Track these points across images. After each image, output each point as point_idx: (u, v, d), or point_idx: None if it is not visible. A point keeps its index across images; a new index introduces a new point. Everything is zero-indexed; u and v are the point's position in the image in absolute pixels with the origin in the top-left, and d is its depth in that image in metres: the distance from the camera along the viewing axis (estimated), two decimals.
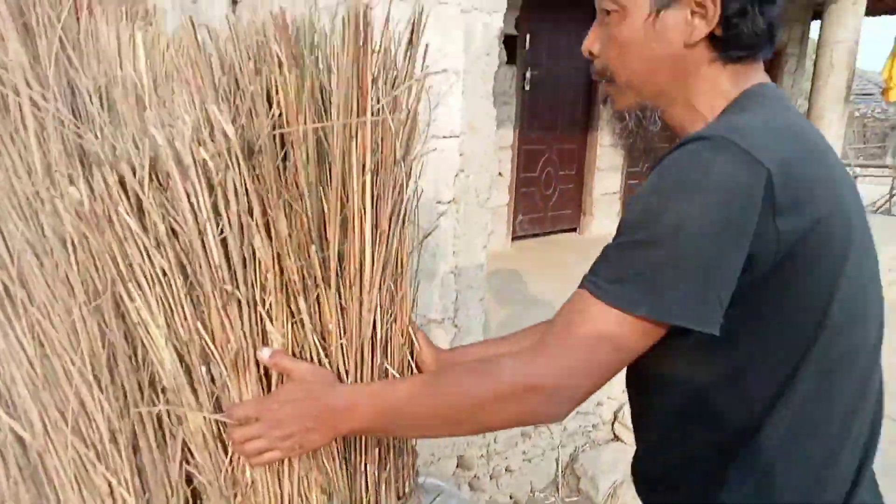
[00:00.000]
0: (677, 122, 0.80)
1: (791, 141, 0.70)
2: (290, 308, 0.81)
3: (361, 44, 0.75)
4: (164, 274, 0.78)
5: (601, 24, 0.80)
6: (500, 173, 4.84)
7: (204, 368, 0.81)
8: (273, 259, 0.78)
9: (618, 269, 0.69)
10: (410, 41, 0.81)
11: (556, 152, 5.31)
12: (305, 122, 0.74)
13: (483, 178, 2.21)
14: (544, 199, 5.35)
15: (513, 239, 5.05)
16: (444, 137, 2.09)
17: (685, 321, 0.67)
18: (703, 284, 0.66)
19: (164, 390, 0.88)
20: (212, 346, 0.79)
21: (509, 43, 4.65)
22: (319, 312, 0.82)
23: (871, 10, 7.99)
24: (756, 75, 0.78)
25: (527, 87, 4.89)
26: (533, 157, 5.15)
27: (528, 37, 4.77)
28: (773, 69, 7.78)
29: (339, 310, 0.82)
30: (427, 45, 0.84)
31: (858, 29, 4.38)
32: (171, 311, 0.79)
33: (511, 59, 4.69)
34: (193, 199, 0.75)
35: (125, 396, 0.92)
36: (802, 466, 0.73)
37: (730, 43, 0.74)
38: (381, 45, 0.77)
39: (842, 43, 4.34)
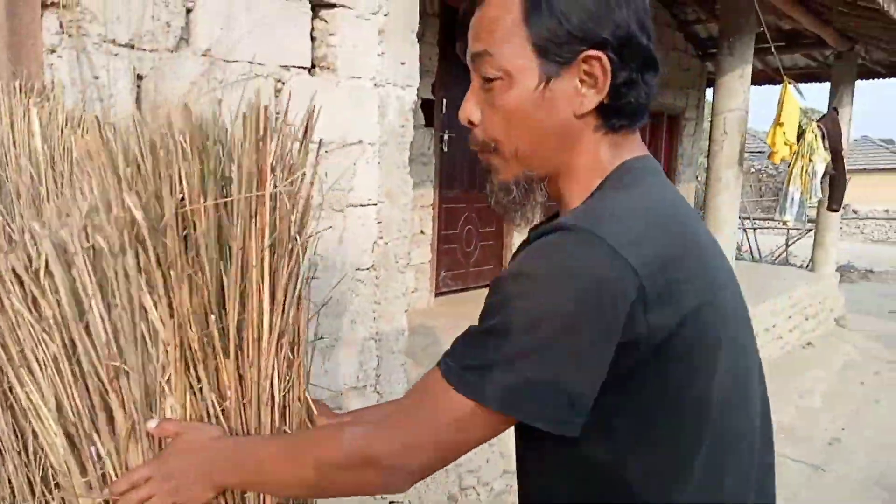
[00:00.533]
0: (560, 193, 0.78)
1: (663, 229, 0.68)
2: (189, 378, 0.82)
3: (261, 136, 0.78)
4: (55, 358, 0.78)
5: (482, 90, 0.75)
6: (421, 231, 4.91)
7: (94, 449, 0.80)
8: (174, 331, 0.79)
9: (472, 356, 0.67)
10: (305, 133, 0.86)
11: (475, 210, 5.45)
12: (207, 202, 0.77)
13: (401, 243, 2.24)
14: (466, 255, 5.45)
15: (436, 295, 5.10)
16: (363, 206, 2.12)
17: (534, 420, 0.64)
18: (555, 383, 0.63)
19: (57, 485, 0.85)
20: (101, 424, 0.80)
21: (427, 107, 4.80)
22: (218, 380, 0.84)
23: (754, 80, 8.77)
24: (633, 146, 0.77)
25: (445, 149, 5.03)
26: (454, 216, 5.26)
27: (444, 101, 4.94)
28: (673, 133, 8.35)
29: (237, 377, 0.84)
30: (320, 140, 0.89)
31: (747, 98, 4.80)
32: (62, 392, 0.80)
33: (429, 122, 4.83)
34: (80, 283, 0.77)
35: (13, 495, 0.87)
36: None
37: (616, 112, 0.73)
38: (278, 138, 0.82)
39: (733, 112, 4.73)
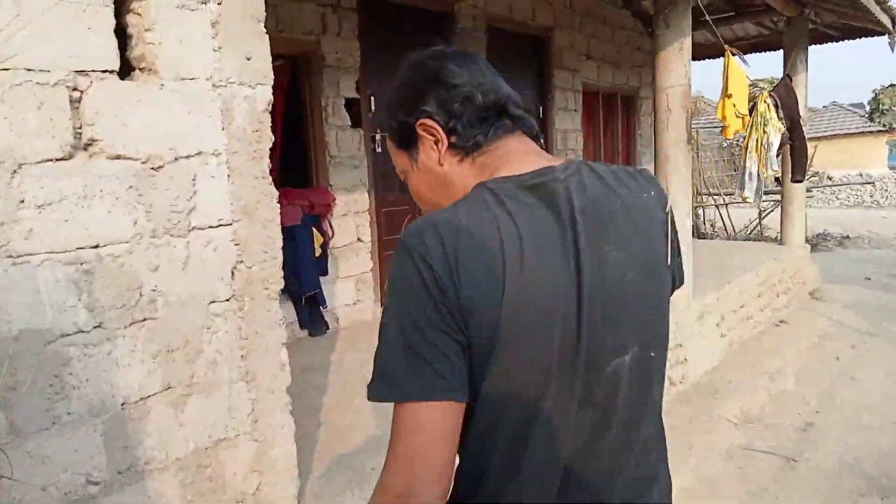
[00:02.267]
0: None
1: (463, 233, 0.81)
2: None
3: None
4: None
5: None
6: (359, 239, 4.61)
7: None
8: None
9: (374, 367, 0.83)
10: None
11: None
12: None
13: (270, 266, 1.94)
14: None
15: (381, 304, 4.81)
16: (212, 227, 1.82)
17: (413, 396, 0.79)
18: (416, 363, 0.79)
19: None
20: None
21: (352, 106, 4.50)
22: None
23: (708, 54, 8.54)
24: (508, 163, 0.90)
25: (377, 149, 4.74)
26: (395, 220, 4.97)
27: (371, 99, 4.64)
28: (630, 113, 8.11)
29: None
30: None
31: (689, 73, 4.54)
32: None
33: (356, 123, 4.53)
34: None
35: None
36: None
37: (463, 142, 0.92)
38: None
39: (675, 88, 4.48)
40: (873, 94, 15.79)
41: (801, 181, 6.37)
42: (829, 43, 7.70)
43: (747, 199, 5.69)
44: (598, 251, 0.84)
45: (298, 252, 4.07)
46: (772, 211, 11.17)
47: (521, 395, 0.83)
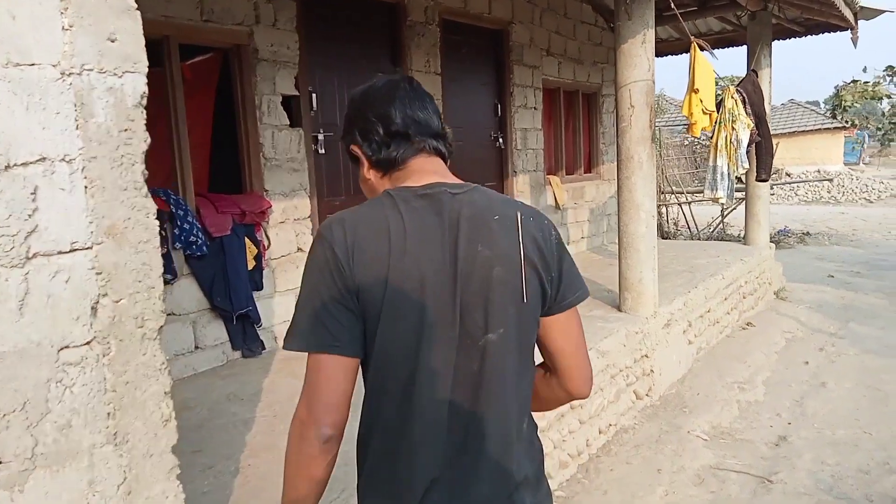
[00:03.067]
0: None
1: (361, 226, 1.09)
2: None
3: None
4: None
5: None
6: (298, 248, 4.23)
7: None
8: None
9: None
10: None
11: None
12: None
13: (146, 299, 1.57)
14: None
15: None
16: (62, 253, 1.44)
17: (312, 348, 1.08)
18: (317, 324, 1.08)
19: None
20: None
21: (290, 104, 4.12)
22: None
23: (671, 50, 8.36)
24: (415, 177, 1.17)
25: (321, 151, 4.36)
26: None
27: (314, 96, 4.26)
28: (591, 111, 7.86)
29: None
30: None
31: (653, 67, 4.27)
32: None
33: (295, 122, 4.15)
34: None
35: None
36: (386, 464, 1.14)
37: (378, 165, 1.21)
38: None
39: (638, 83, 4.20)
40: (835, 91, 15.95)
41: (766, 180, 6.19)
42: (793, 38, 7.57)
43: (720, 200, 5.45)
44: (472, 249, 1.09)
45: (228, 265, 3.67)
46: (734, 209, 11.07)
47: (400, 355, 1.09)
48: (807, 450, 3.72)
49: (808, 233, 13.08)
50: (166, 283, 3.48)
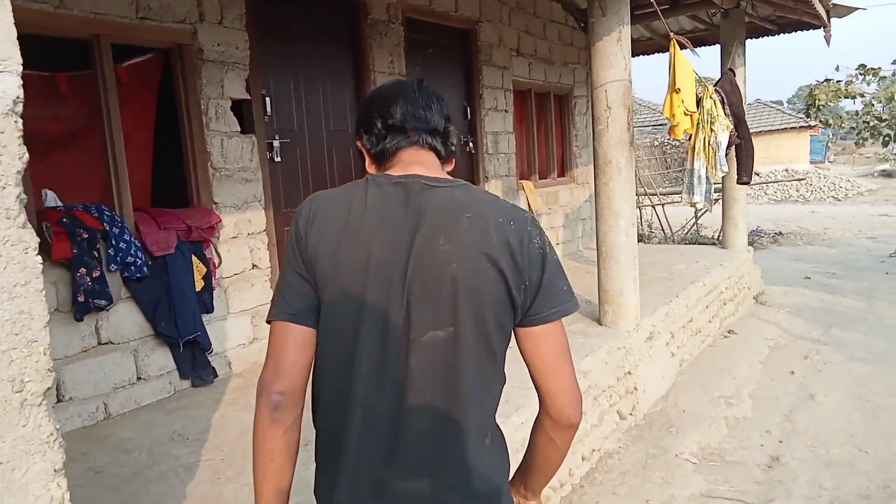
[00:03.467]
0: None
1: (327, 202, 1.17)
2: None
3: None
4: None
5: None
6: (253, 265, 3.88)
7: None
8: None
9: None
10: None
11: None
12: None
13: (26, 357, 1.25)
14: None
15: None
16: None
17: (275, 317, 1.14)
18: (279, 294, 1.16)
19: None
20: None
21: (241, 109, 3.78)
22: None
23: (644, 50, 8.17)
24: (398, 168, 1.20)
25: (277, 159, 4.02)
26: None
27: (268, 101, 3.92)
28: (563, 113, 7.63)
29: None
30: None
31: (629, 66, 4.03)
32: None
33: (247, 128, 3.81)
34: None
35: None
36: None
37: (375, 157, 1.24)
38: None
39: (614, 83, 3.95)
40: (809, 90, 15.98)
41: (747, 183, 6.00)
42: (766, 37, 7.43)
43: (697, 205, 5.23)
44: (433, 242, 1.10)
45: (173, 287, 3.31)
46: (706, 211, 10.94)
47: (339, 335, 1.13)
48: (802, 472, 3.50)
49: (780, 233, 13.05)
50: (101, 309, 3.11)
